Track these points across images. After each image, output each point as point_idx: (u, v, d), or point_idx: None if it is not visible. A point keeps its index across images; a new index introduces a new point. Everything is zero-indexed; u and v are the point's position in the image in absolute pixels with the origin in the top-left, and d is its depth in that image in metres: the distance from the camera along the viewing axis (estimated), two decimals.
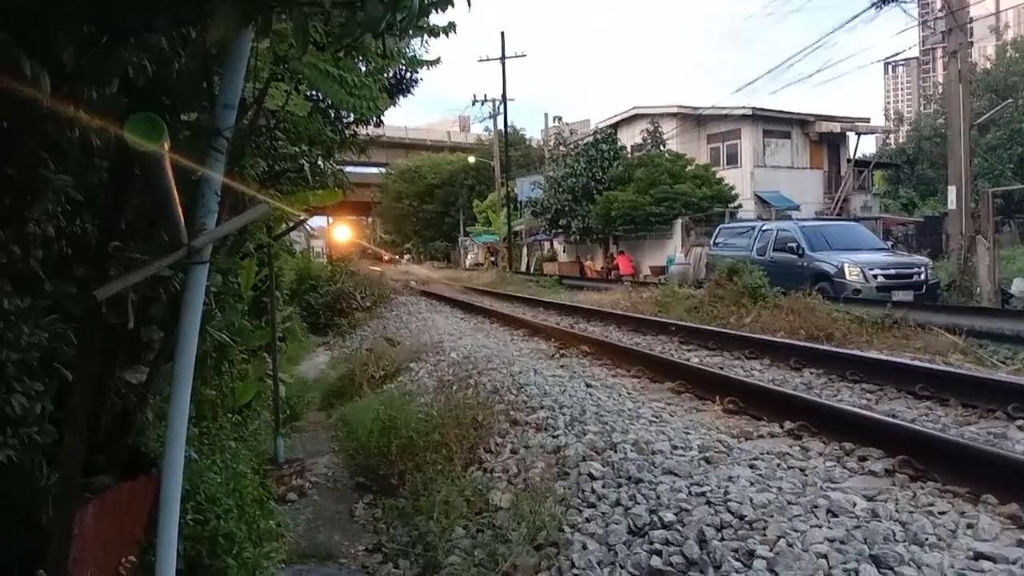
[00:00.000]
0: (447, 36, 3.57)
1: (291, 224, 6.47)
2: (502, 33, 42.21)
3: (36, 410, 2.22)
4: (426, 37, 4.37)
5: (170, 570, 2.34)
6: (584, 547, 3.81)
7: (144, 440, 3.14)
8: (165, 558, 2.33)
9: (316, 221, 23.13)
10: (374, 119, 7.52)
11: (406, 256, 63.32)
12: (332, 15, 2.40)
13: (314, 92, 4.46)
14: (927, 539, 3.31)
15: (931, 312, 11.47)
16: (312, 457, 7.08)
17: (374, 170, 63.02)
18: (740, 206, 29.91)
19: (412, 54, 6.64)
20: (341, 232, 29.79)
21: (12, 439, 2.15)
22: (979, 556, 3.16)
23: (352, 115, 6.76)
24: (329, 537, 5.22)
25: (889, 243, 22.75)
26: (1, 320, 2.12)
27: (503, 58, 41.79)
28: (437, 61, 6.17)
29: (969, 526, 3.54)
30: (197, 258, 2.30)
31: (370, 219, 74.22)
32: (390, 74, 10.69)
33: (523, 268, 40.61)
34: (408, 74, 14.29)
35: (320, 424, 8.65)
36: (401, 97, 15.02)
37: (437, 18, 3.39)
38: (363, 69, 4.13)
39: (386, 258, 56.48)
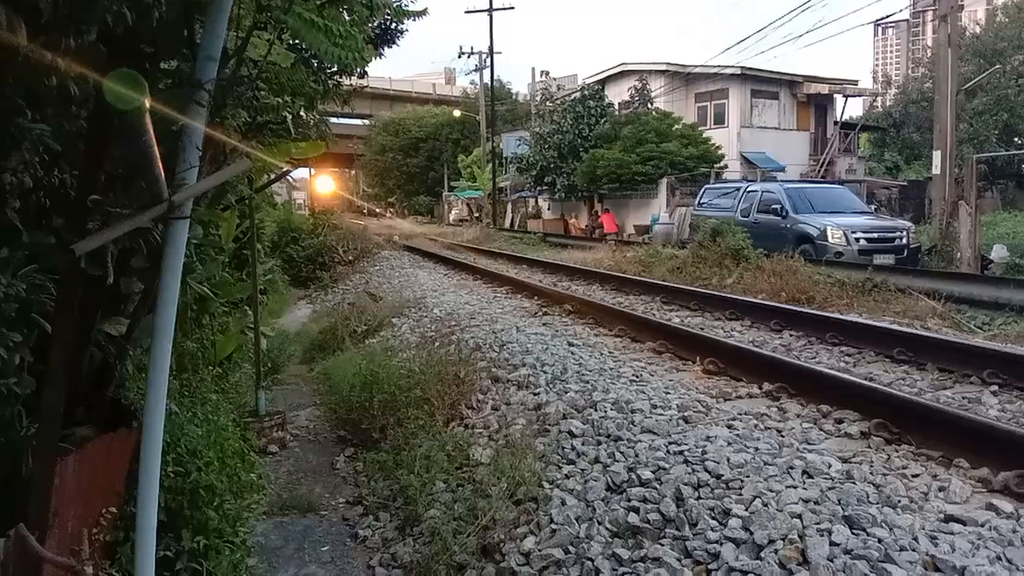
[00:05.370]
0: None
1: (273, 176, 6.41)
2: None
3: (15, 361, 2.20)
4: None
5: (151, 522, 2.34)
6: (563, 503, 3.87)
7: (124, 393, 3.13)
8: (146, 510, 2.34)
9: (298, 173, 22.94)
10: (358, 70, 7.39)
11: (389, 210, 62.77)
12: None
13: (297, 42, 4.37)
14: (900, 501, 3.37)
15: (912, 276, 11.54)
16: (293, 410, 7.11)
17: (358, 122, 62.16)
18: (726, 166, 29.83)
19: (398, 4, 6.53)
20: (324, 184, 29.43)
21: None
22: (949, 518, 3.23)
23: (336, 65, 6.66)
24: (310, 489, 5.27)
25: (872, 207, 22.81)
26: None
27: (490, 10, 41.19)
28: (424, 12, 6.09)
29: (941, 489, 3.61)
30: (178, 213, 2.27)
31: (353, 172, 73.47)
32: (375, 24, 10.50)
33: (507, 225, 40.46)
34: (394, 24, 14.05)
35: (301, 377, 8.68)
36: (386, 48, 14.77)
37: None
38: (347, 19, 4.05)
39: (369, 211, 55.98)
